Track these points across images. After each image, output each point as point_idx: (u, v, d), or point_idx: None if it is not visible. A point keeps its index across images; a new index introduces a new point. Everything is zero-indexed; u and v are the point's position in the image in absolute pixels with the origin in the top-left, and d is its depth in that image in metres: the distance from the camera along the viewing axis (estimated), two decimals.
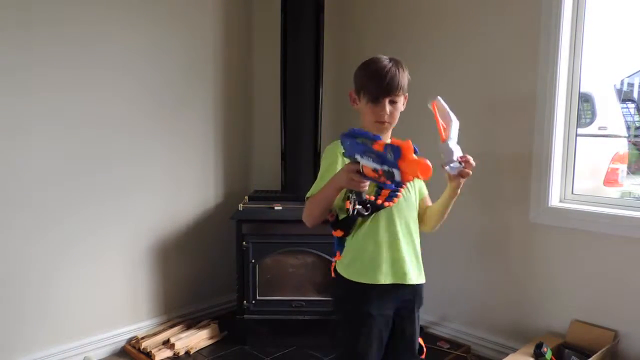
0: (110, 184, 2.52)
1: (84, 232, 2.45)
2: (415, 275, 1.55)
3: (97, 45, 2.41)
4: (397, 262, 1.49)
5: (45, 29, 2.24)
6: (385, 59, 1.50)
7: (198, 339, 2.64)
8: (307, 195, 1.50)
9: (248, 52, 3.09)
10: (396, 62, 1.50)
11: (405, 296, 1.54)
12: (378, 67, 1.48)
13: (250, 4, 3.06)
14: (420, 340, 1.63)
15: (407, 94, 1.55)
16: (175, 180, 2.80)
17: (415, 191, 1.65)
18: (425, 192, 1.72)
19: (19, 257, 2.26)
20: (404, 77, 1.50)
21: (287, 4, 2.76)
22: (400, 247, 1.50)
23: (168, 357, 2.51)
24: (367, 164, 1.23)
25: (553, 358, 2.15)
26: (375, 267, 1.47)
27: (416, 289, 1.58)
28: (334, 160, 1.48)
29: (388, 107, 1.49)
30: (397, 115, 1.54)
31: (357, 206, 1.35)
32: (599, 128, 3.20)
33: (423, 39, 2.76)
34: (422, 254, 1.64)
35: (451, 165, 1.46)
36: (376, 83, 1.47)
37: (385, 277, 1.47)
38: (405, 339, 1.57)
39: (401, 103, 1.54)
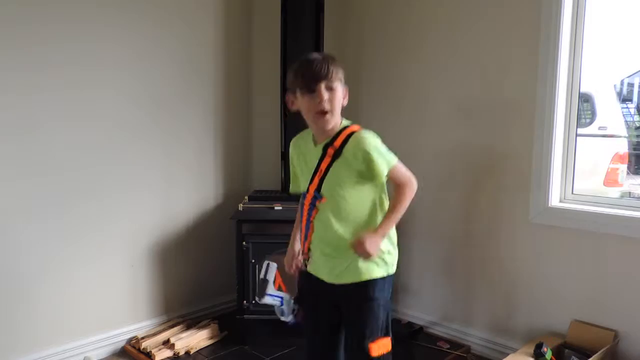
0: (110, 184, 2.52)
1: (84, 232, 2.45)
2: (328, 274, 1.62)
3: (97, 45, 2.41)
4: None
5: (45, 29, 2.24)
6: (313, 53, 1.52)
7: (198, 339, 2.64)
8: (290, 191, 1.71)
9: (248, 52, 3.09)
10: (325, 54, 1.52)
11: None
12: (306, 59, 1.49)
13: (250, 4, 3.06)
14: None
15: (347, 87, 1.53)
16: (175, 180, 2.80)
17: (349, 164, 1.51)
18: (381, 171, 1.50)
19: (18, 257, 2.26)
20: (335, 65, 1.47)
21: (287, 4, 2.76)
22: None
23: (168, 357, 2.51)
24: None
25: (553, 358, 2.14)
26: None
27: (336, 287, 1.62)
28: (290, 155, 1.68)
29: (325, 93, 1.45)
30: (338, 105, 1.49)
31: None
32: (599, 128, 3.20)
33: (422, 38, 2.76)
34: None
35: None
36: (306, 71, 1.46)
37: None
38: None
39: (340, 92, 1.49)
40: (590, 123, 3.18)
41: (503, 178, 2.51)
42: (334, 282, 1.58)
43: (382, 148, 1.51)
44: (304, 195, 1.59)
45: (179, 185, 2.82)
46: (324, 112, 1.47)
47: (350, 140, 1.50)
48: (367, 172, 1.50)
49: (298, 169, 1.66)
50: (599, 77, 3.00)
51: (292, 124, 2.83)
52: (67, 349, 2.42)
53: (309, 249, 1.62)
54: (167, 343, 2.57)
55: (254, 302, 2.62)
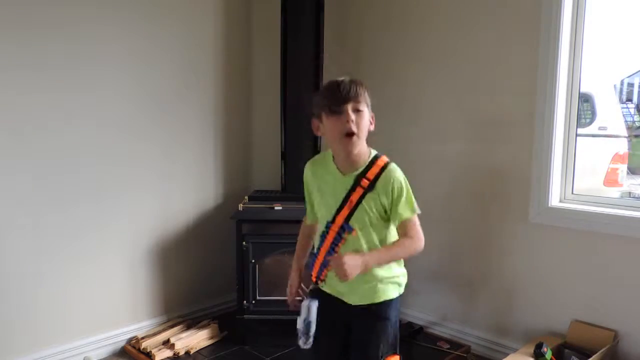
0: (110, 184, 2.52)
1: (84, 232, 2.45)
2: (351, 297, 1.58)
3: (97, 45, 2.41)
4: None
5: (45, 28, 2.24)
6: (341, 77, 1.47)
7: (198, 339, 2.64)
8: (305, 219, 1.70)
9: (248, 52, 3.09)
10: (353, 77, 1.47)
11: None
12: (333, 82, 1.46)
13: (250, 4, 3.06)
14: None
15: (373, 113, 1.50)
16: (175, 180, 2.80)
17: (376, 206, 1.51)
18: (401, 214, 1.50)
19: (18, 258, 2.26)
20: (363, 89, 1.45)
21: (287, 4, 2.76)
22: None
23: (168, 357, 2.51)
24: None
25: (553, 358, 2.14)
26: None
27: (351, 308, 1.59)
28: (304, 182, 1.63)
29: (352, 115, 1.41)
30: (365, 127, 1.45)
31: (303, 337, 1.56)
32: (599, 128, 3.20)
33: (422, 38, 2.76)
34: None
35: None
36: (334, 94, 1.42)
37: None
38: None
39: (367, 115, 1.46)
40: (590, 123, 3.18)
41: (503, 178, 2.51)
42: (353, 303, 1.56)
43: (410, 192, 1.51)
44: (327, 225, 1.53)
45: (178, 185, 2.82)
46: (351, 134, 1.42)
47: (384, 174, 1.48)
48: (388, 209, 1.49)
49: (315, 195, 1.60)
50: (599, 77, 3.00)
51: (292, 123, 2.83)
52: (67, 349, 2.43)
53: (324, 277, 1.59)
54: (167, 343, 2.57)
55: (254, 302, 2.62)
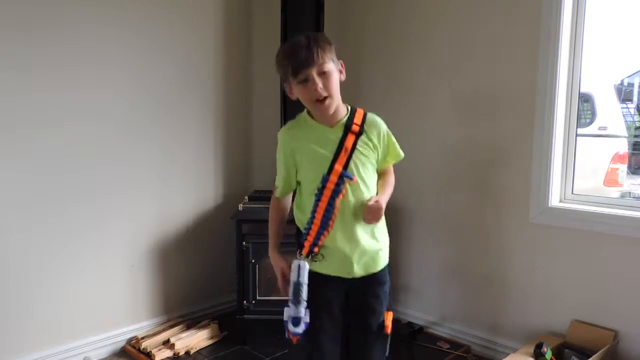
0: (110, 184, 2.52)
1: (84, 232, 2.45)
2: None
3: (96, 46, 2.40)
4: None
5: (44, 29, 2.24)
6: (296, 37, 1.46)
7: (198, 339, 2.64)
8: (276, 186, 1.67)
9: (248, 52, 3.09)
10: (309, 34, 1.46)
11: None
12: (290, 49, 1.44)
13: (250, 4, 3.06)
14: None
15: (341, 61, 1.50)
16: (175, 180, 2.80)
17: (372, 149, 1.54)
18: (399, 153, 1.61)
19: (18, 258, 2.26)
20: (323, 44, 1.43)
21: (287, 4, 2.76)
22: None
23: (168, 357, 2.51)
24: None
25: (553, 358, 2.15)
26: None
27: None
28: (279, 151, 1.62)
29: (319, 80, 1.40)
30: (335, 86, 1.45)
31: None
32: (599, 128, 3.20)
33: (422, 38, 2.76)
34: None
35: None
36: (295, 62, 1.40)
37: None
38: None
39: (334, 72, 1.44)
40: (590, 123, 3.18)
41: (503, 178, 2.51)
42: (358, 274, 1.52)
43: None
44: (324, 178, 1.46)
45: (179, 186, 2.82)
46: (321, 100, 1.43)
47: (369, 118, 1.52)
48: (381, 151, 1.53)
49: (299, 159, 1.54)
50: (599, 77, 3.00)
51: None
52: (67, 349, 2.43)
53: (321, 244, 1.49)
54: (167, 343, 2.57)
55: (254, 302, 2.62)
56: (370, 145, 1.51)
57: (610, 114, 3.22)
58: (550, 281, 2.38)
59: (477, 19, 2.54)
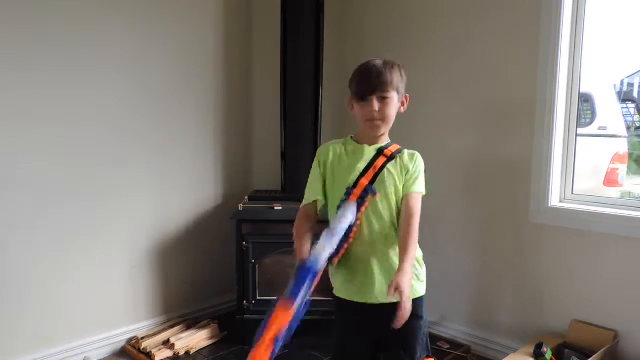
0: (110, 185, 2.52)
1: (84, 232, 2.45)
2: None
3: (96, 45, 2.40)
4: None
5: (44, 29, 2.24)
6: (375, 60, 1.52)
7: (198, 339, 2.64)
8: (303, 203, 1.59)
9: (248, 52, 3.09)
10: (387, 62, 1.51)
11: None
12: (366, 66, 1.50)
13: (250, 4, 3.06)
14: None
15: (406, 95, 1.55)
16: (175, 181, 2.80)
17: (394, 185, 1.53)
18: (412, 187, 1.55)
19: (18, 258, 2.26)
20: (394, 75, 1.48)
21: (287, 4, 2.76)
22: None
23: (168, 357, 2.51)
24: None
25: (553, 358, 2.15)
26: None
27: None
28: (315, 165, 1.60)
29: (376, 104, 1.47)
30: (391, 114, 1.51)
31: None
32: (599, 128, 3.20)
33: (422, 38, 2.76)
34: (422, 255, 1.63)
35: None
36: (363, 81, 1.49)
37: None
38: None
39: (395, 100, 1.50)
40: (590, 123, 3.18)
41: (503, 178, 2.51)
42: (384, 301, 1.47)
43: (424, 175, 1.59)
44: (348, 191, 1.49)
45: (178, 186, 2.82)
46: (372, 120, 1.49)
47: (407, 151, 1.58)
48: (404, 180, 1.53)
49: (330, 169, 1.56)
50: (599, 77, 3.00)
51: (292, 124, 2.83)
52: (67, 349, 2.43)
53: (342, 256, 1.51)
54: (167, 343, 2.57)
55: (254, 302, 2.62)
56: (399, 170, 1.53)
57: (610, 114, 3.22)
58: (550, 281, 2.38)
59: (477, 19, 2.54)
